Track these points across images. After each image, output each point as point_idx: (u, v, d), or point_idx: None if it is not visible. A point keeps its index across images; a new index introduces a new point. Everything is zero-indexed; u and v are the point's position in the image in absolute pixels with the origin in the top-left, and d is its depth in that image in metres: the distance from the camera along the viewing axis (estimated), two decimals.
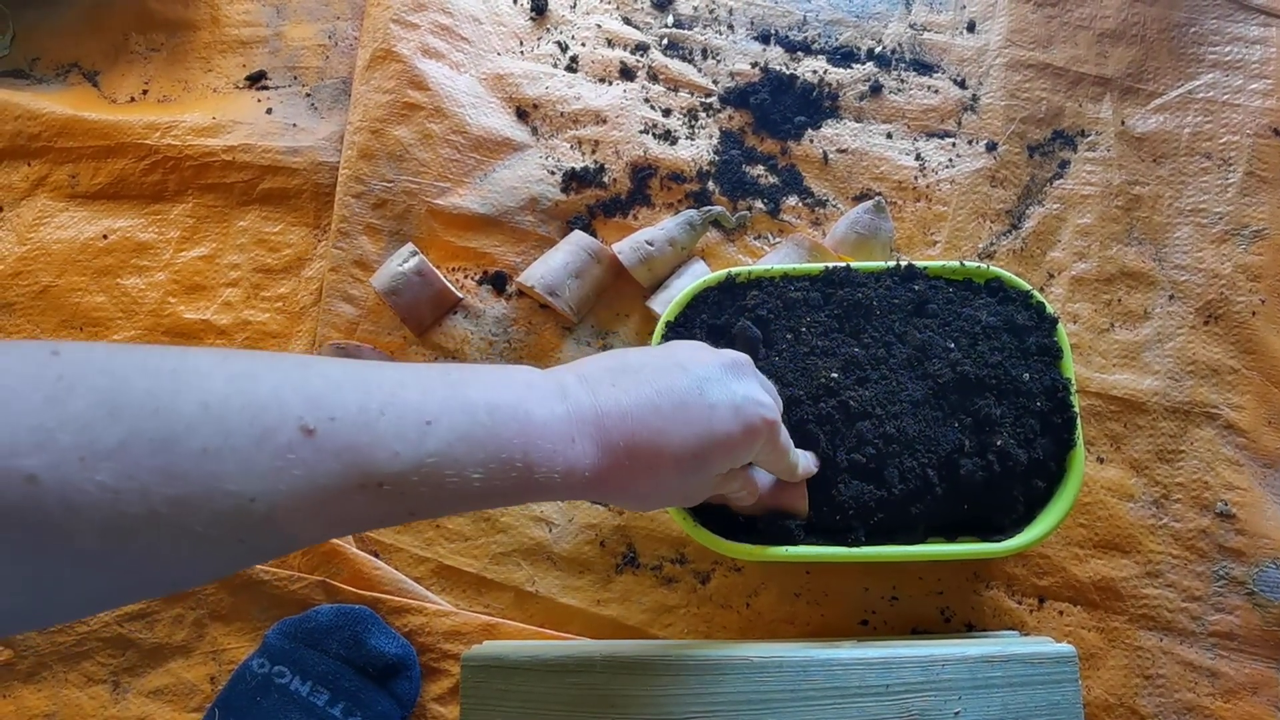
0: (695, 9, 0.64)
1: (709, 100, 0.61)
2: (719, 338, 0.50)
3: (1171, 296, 0.57)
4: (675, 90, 0.62)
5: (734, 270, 0.51)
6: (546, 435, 0.32)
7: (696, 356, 0.38)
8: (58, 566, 0.22)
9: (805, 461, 0.45)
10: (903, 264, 0.51)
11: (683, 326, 0.51)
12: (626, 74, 0.62)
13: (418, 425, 0.28)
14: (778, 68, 0.62)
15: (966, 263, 0.51)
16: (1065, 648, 0.43)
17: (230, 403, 0.25)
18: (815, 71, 0.62)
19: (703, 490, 0.39)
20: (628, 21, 0.63)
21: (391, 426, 0.28)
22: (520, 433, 0.31)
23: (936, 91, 0.61)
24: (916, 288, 0.50)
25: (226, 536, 0.25)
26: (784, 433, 0.41)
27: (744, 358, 0.40)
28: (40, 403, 0.22)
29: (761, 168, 0.60)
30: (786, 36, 0.63)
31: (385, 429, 0.28)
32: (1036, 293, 0.50)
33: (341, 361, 0.30)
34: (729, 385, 0.37)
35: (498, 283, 0.58)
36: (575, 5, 0.64)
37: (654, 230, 0.56)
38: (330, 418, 0.27)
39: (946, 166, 0.59)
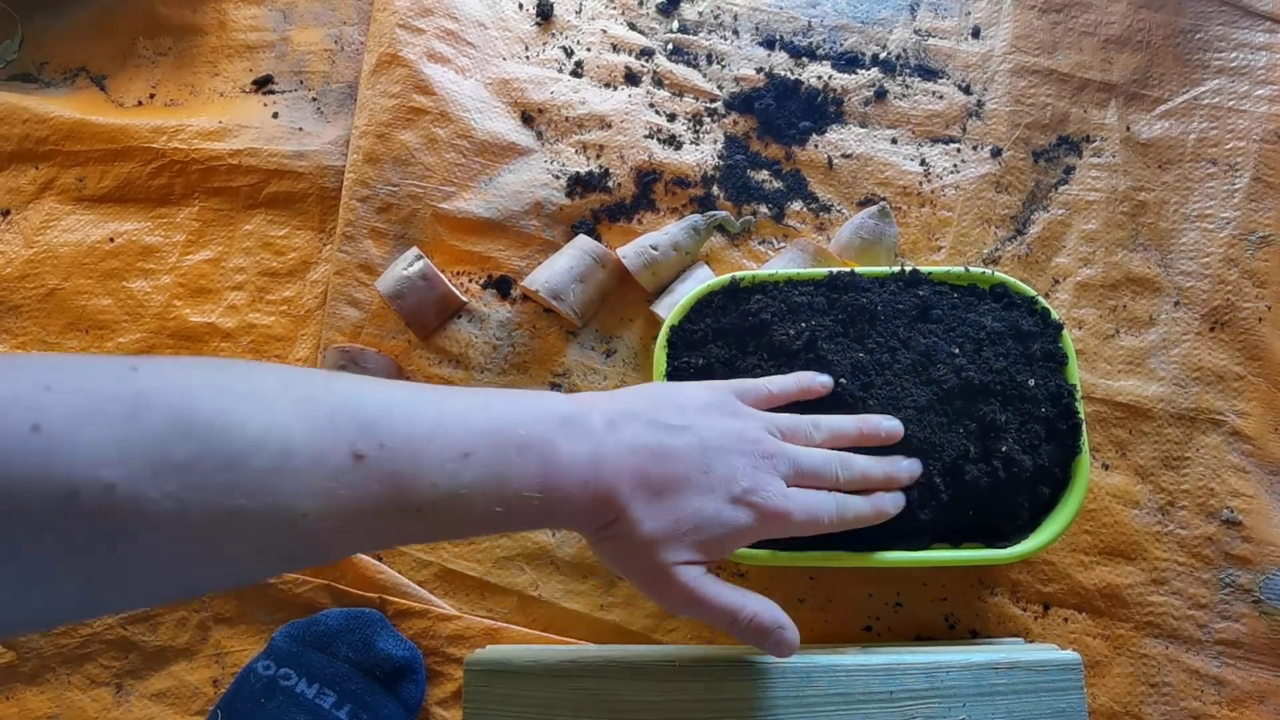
0: (700, 14, 0.64)
1: (714, 105, 0.61)
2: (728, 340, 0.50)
3: (1177, 302, 0.57)
4: (680, 95, 0.62)
5: (738, 275, 0.51)
6: (566, 481, 0.34)
7: (721, 431, 0.39)
8: (120, 563, 0.24)
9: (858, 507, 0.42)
10: (907, 269, 0.51)
11: (686, 331, 0.51)
12: (631, 79, 0.62)
13: (457, 458, 0.31)
14: (782, 73, 0.62)
15: (971, 268, 0.51)
16: (1070, 655, 0.43)
17: (292, 427, 0.27)
18: (820, 77, 0.62)
19: (675, 593, 0.37)
20: (633, 27, 0.64)
21: (434, 457, 0.30)
22: (543, 473, 0.33)
23: (941, 97, 0.61)
24: (921, 293, 0.50)
25: (275, 546, 0.27)
26: (805, 513, 0.40)
27: (768, 445, 0.40)
28: (122, 417, 0.24)
29: (766, 173, 0.60)
30: (791, 42, 0.63)
31: (428, 460, 0.30)
32: (1041, 298, 0.50)
33: (394, 386, 0.32)
34: (735, 478, 0.38)
35: (502, 287, 0.58)
36: (580, 10, 0.64)
37: (658, 235, 0.56)
38: (380, 444, 0.29)
39: (951, 172, 0.59)
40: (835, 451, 0.43)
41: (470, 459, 0.31)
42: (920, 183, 0.59)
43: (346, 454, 0.28)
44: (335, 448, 0.28)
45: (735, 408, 0.41)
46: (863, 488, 0.43)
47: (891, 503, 0.43)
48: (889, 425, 0.44)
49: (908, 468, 0.44)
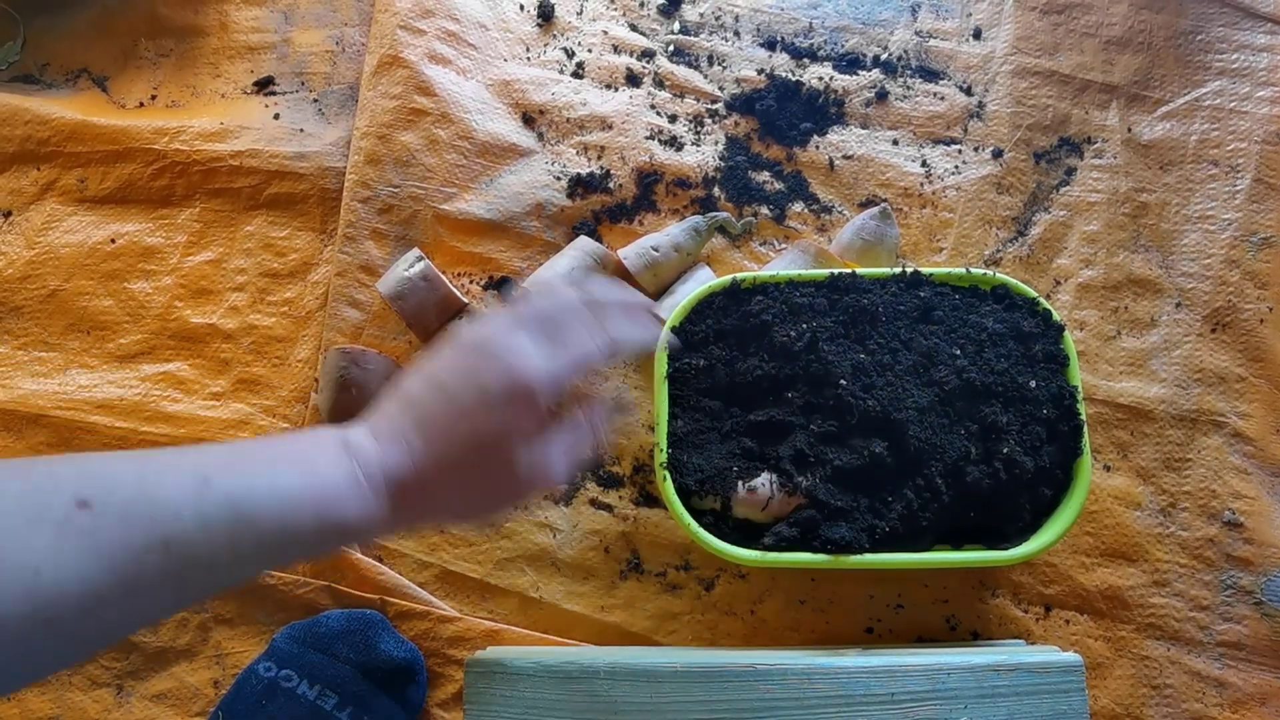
0: (702, 16, 0.64)
1: (715, 106, 0.61)
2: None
3: (1179, 304, 0.57)
4: (681, 96, 0.62)
5: (739, 276, 0.51)
6: (332, 482, 0.33)
7: (448, 363, 0.37)
8: None
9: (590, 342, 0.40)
10: (908, 270, 0.51)
11: (687, 332, 0.51)
12: (632, 80, 0.62)
13: (196, 484, 0.29)
14: (784, 74, 0.62)
15: (972, 270, 0.51)
16: (1072, 657, 0.43)
17: (6, 489, 0.26)
18: (821, 78, 0.62)
19: (522, 484, 0.37)
20: (634, 28, 0.64)
21: (169, 490, 0.29)
22: (303, 482, 0.32)
23: (942, 98, 0.61)
24: (922, 294, 0.50)
25: (26, 614, 0.25)
26: (561, 367, 0.37)
27: (486, 334, 0.37)
28: None
29: (767, 174, 0.60)
30: (793, 43, 0.63)
31: (162, 493, 0.29)
32: (1043, 300, 0.50)
33: (128, 452, 0.31)
34: (477, 381, 0.36)
35: (502, 288, 0.58)
36: (582, 12, 0.64)
37: (659, 236, 0.56)
38: (107, 489, 0.28)
39: (952, 173, 0.59)
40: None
41: (211, 483, 0.29)
42: (921, 184, 0.59)
43: (69, 503, 0.27)
44: (54, 499, 0.27)
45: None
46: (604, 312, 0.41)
47: (648, 321, 0.42)
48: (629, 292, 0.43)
49: (631, 292, 0.43)
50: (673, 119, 0.61)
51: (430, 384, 0.37)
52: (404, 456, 0.35)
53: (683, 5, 0.64)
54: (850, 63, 0.62)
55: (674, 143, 0.60)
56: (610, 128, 0.61)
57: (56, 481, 0.27)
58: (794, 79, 0.62)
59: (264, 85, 0.65)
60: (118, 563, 0.27)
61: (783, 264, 0.56)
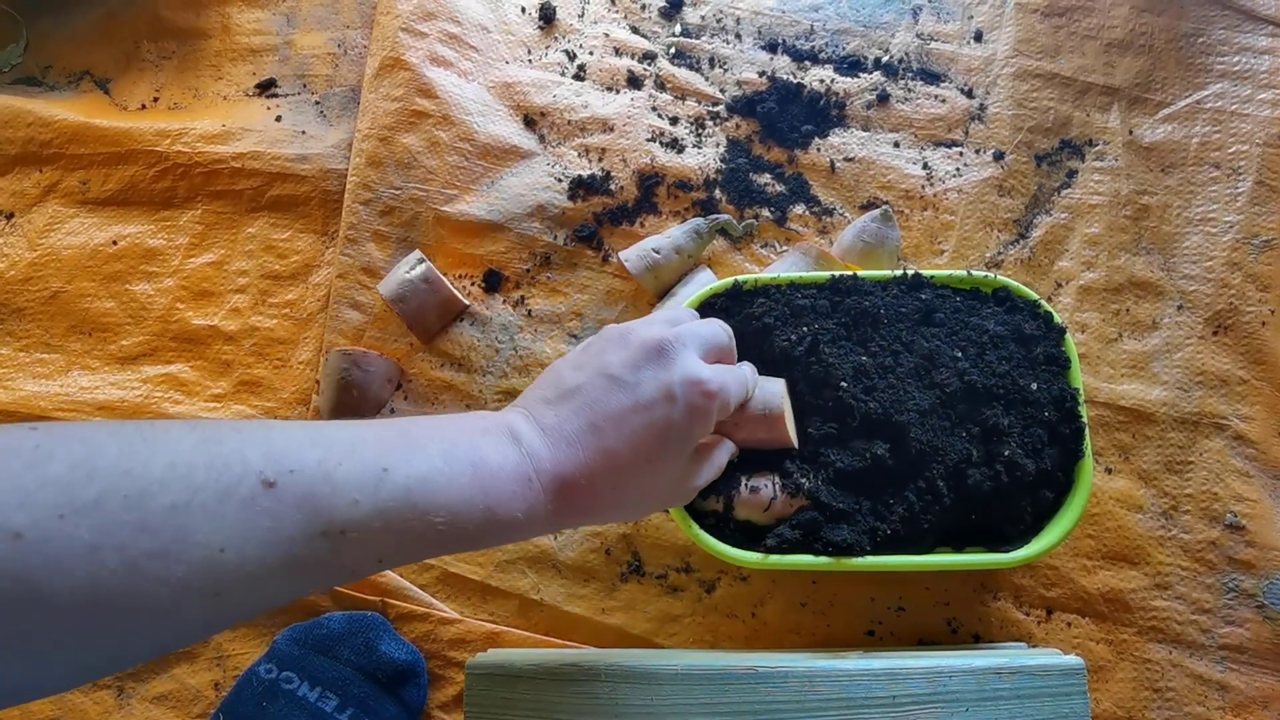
0: (703, 18, 0.64)
1: (716, 109, 0.61)
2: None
3: (1180, 306, 0.57)
4: (682, 99, 0.62)
5: (740, 278, 0.51)
6: (503, 477, 0.33)
7: (622, 359, 0.38)
8: (41, 627, 0.23)
9: (774, 389, 0.45)
10: (909, 273, 0.51)
11: None
12: (634, 82, 0.62)
13: (375, 473, 0.30)
14: (785, 76, 0.62)
15: (974, 272, 0.51)
16: (1073, 660, 0.43)
17: (195, 462, 0.27)
18: (822, 80, 0.62)
19: (679, 488, 0.40)
20: (635, 30, 0.64)
21: (350, 476, 0.29)
22: (476, 477, 0.32)
23: (944, 101, 0.61)
24: (924, 296, 0.50)
25: (200, 590, 0.26)
26: (735, 387, 0.40)
27: (669, 337, 0.39)
28: (21, 467, 0.24)
29: (768, 176, 0.60)
30: (794, 45, 0.63)
31: (343, 479, 0.29)
32: (1044, 302, 0.50)
33: (304, 423, 0.31)
34: (660, 378, 0.37)
35: (491, 281, 0.58)
36: (583, 14, 0.64)
37: (661, 238, 0.56)
38: (290, 470, 0.28)
39: (954, 175, 0.59)
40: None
41: (391, 473, 0.30)
42: (923, 186, 0.59)
43: (255, 483, 0.27)
44: (243, 479, 0.27)
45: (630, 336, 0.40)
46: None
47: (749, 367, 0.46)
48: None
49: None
50: (674, 121, 0.61)
51: (598, 374, 0.37)
52: (576, 453, 0.35)
53: (684, 8, 0.64)
54: (851, 65, 0.62)
55: (675, 145, 0.60)
56: (611, 130, 0.61)
57: (245, 460, 0.28)
58: (795, 81, 0.62)
59: (266, 87, 0.65)
60: (294, 545, 0.28)
61: (784, 266, 0.56)
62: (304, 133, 0.63)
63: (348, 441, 0.30)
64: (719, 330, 0.42)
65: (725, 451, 0.44)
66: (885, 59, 0.62)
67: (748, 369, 0.45)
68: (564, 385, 0.37)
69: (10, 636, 0.23)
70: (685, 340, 0.39)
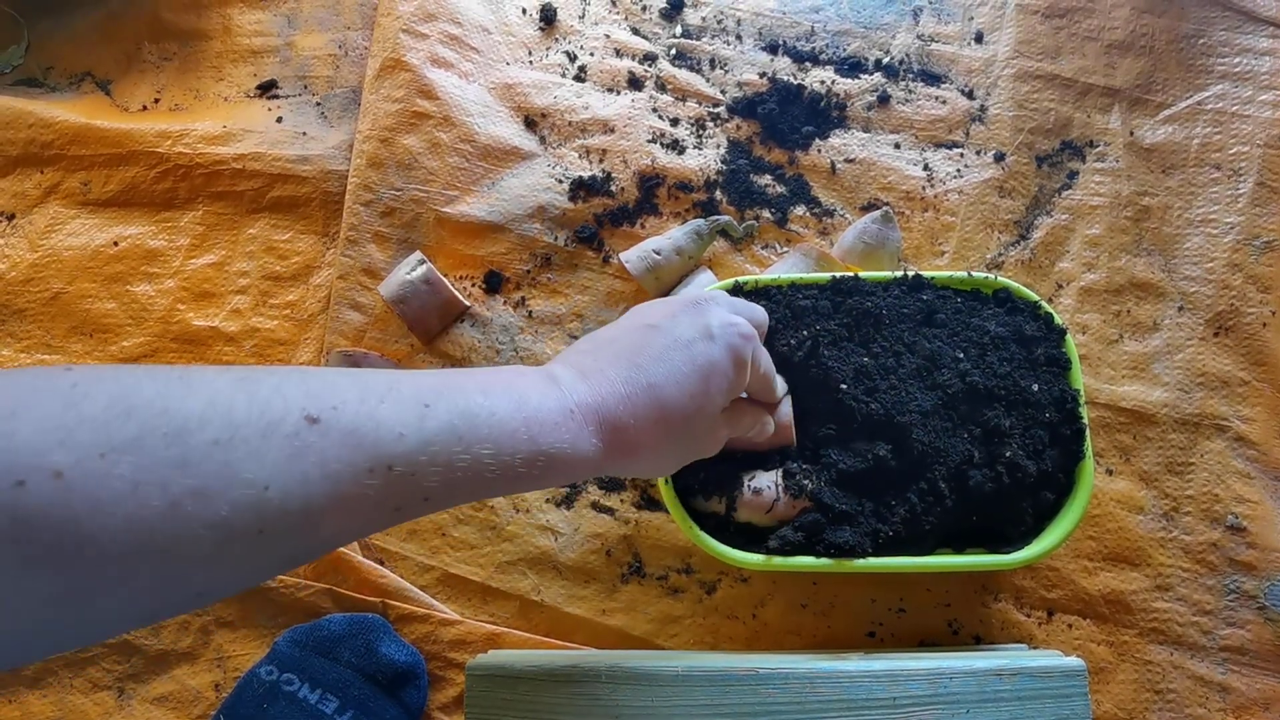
0: (703, 19, 0.64)
1: (717, 110, 0.61)
2: None
3: (1181, 308, 0.56)
4: (683, 100, 0.62)
5: (741, 279, 0.51)
6: (545, 411, 0.33)
7: (660, 310, 0.40)
8: (89, 573, 0.23)
9: (782, 383, 0.47)
10: (910, 274, 0.51)
11: None
12: (634, 83, 0.62)
13: (417, 408, 0.29)
14: (785, 78, 0.62)
15: (974, 273, 0.51)
16: (1074, 661, 0.43)
17: (235, 399, 0.26)
18: (823, 82, 0.62)
19: (712, 435, 0.40)
20: (636, 32, 0.64)
21: (392, 411, 0.29)
22: (518, 410, 0.32)
23: (944, 102, 0.61)
24: (925, 297, 0.50)
25: (247, 529, 0.25)
26: (764, 353, 0.42)
27: (704, 294, 0.42)
28: (59, 407, 0.23)
29: (769, 177, 0.60)
30: (794, 47, 0.63)
31: (386, 414, 0.29)
32: (1045, 303, 0.50)
33: (334, 369, 0.31)
34: (698, 320, 0.39)
35: (491, 282, 0.58)
36: (584, 15, 0.64)
37: (661, 239, 0.56)
38: (333, 407, 0.27)
39: (954, 177, 0.59)
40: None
41: (433, 408, 0.30)
42: (923, 187, 0.59)
43: (299, 418, 0.26)
44: (285, 414, 0.26)
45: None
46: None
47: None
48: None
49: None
50: (674, 122, 0.61)
51: (635, 327, 0.38)
52: (617, 389, 0.35)
53: (685, 9, 0.64)
54: (852, 66, 0.62)
55: (676, 146, 0.60)
56: (612, 131, 0.61)
57: (285, 397, 0.27)
58: (796, 82, 0.62)
59: (267, 89, 0.65)
60: (342, 482, 0.27)
61: (784, 267, 0.56)
62: (305, 134, 0.63)
63: (385, 382, 0.30)
64: (751, 304, 0.44)
65: (754, 414, 0.44)
66: (886, 60, 0.62)
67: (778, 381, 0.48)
68: (600, 339, 0.38)
69: (55, 581, 0.22)
70: (718, 298, 0.41)
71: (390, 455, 0.28)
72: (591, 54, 0.63)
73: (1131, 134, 0.60)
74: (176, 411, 0.25)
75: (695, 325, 0.38)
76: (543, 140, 0.61)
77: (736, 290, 0.51)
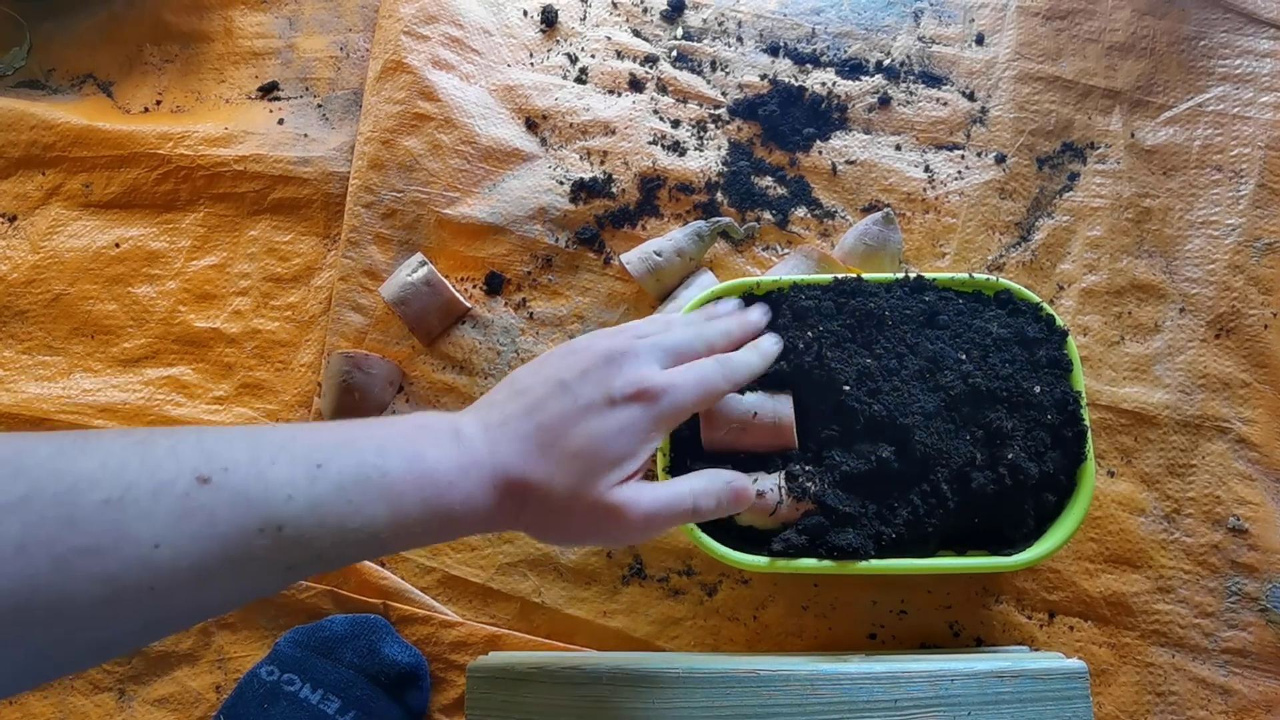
0: (704, 21, 0.64)
1: (718, 112, 0.62)
2: None
3: (1182, 309, 0.56)
4: (684, 102, 0.62)
5: (744, 281, 0.51)
6: (441, 470, 0.33)
7: (577, 362, 0.38)
8: None
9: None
10: (912, 275, 0.51)
11: None
12: (635, 85, 0.62)
13: (308, 469, 0.30)
14: (786, 80, 0.62)
15: (976, 275, 0.51)
16: (1076, 664, 0.43)
17: (128, 460, 0.27)
18: (824, 83, 0.62)
19: (618, 512, 0.36)
20: (637, 34, 0.64)
21: (282, 472, 0.29)
22: (411, 468, 0.32)
23: (945, 104, 0.61)
24: (927, 299, 0.50)
25: (138, 585, 0.26)
26: (689, 385, 0.39)
27: (619, 345, 0.39)
28: None
29: (770, 179, 0.60)
30: (795, 49, 0.63)
31: (276, 475, 0.29)
32: (1046, 305, 0.50)
33: (238, 427, 0.32)
34: (603, 384, 0.37)
35: (493, 283, 0.58)
36: (585, 17, 0.64)
37: (662, 241, 0.56)
38: (224, 468, 0.28)
39: (955, 178, 0.59)
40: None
41: (324, 468, 0.30)
42: (924, 189, 0.59)
43: (190, 479, 0.27)
44: (178, 475, 0.27)
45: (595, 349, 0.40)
46: (732, 345, 0.44)
47: (770, 343, 0.46)
48: (755, 315, 0.47)
49: (758, 312, 0.47)
50: (675, 124, 0.61)
51: (548, 379, 0.37)
52: (516, 447, 0.35)
53: (686, 11, 0.64)
54: (853, 68, 0.62)
55: (677, 148, 0.60)
56: (613, 133, 0.61)
57: (179, 457, 0.28)
58: (797, 84, 0.62)
59: (268, 90, 0.65)
60: (230, 542, 0.28)
61: (786, 269, 0.56)
62: (306, 136, 0.63)
63: (281, 440, 0.30)
64: (692, 338, 0.42)
65: (688, 487, 0.39)
66: (887, 62, 0.63)
67: (769, 341, 0.46)
68: (516, 387, 0.38)
69: None
70: (640, 350, 0.39)
71: (280, 516, 0.29)
72: (593, 56, 0.63)
73: (1132, 136, 0.60)
74: (68, 472, 0.25)
75: (599, 388, 0.37)
76: (544, 142, 0.61)
77: (749, 298, 0.50)
